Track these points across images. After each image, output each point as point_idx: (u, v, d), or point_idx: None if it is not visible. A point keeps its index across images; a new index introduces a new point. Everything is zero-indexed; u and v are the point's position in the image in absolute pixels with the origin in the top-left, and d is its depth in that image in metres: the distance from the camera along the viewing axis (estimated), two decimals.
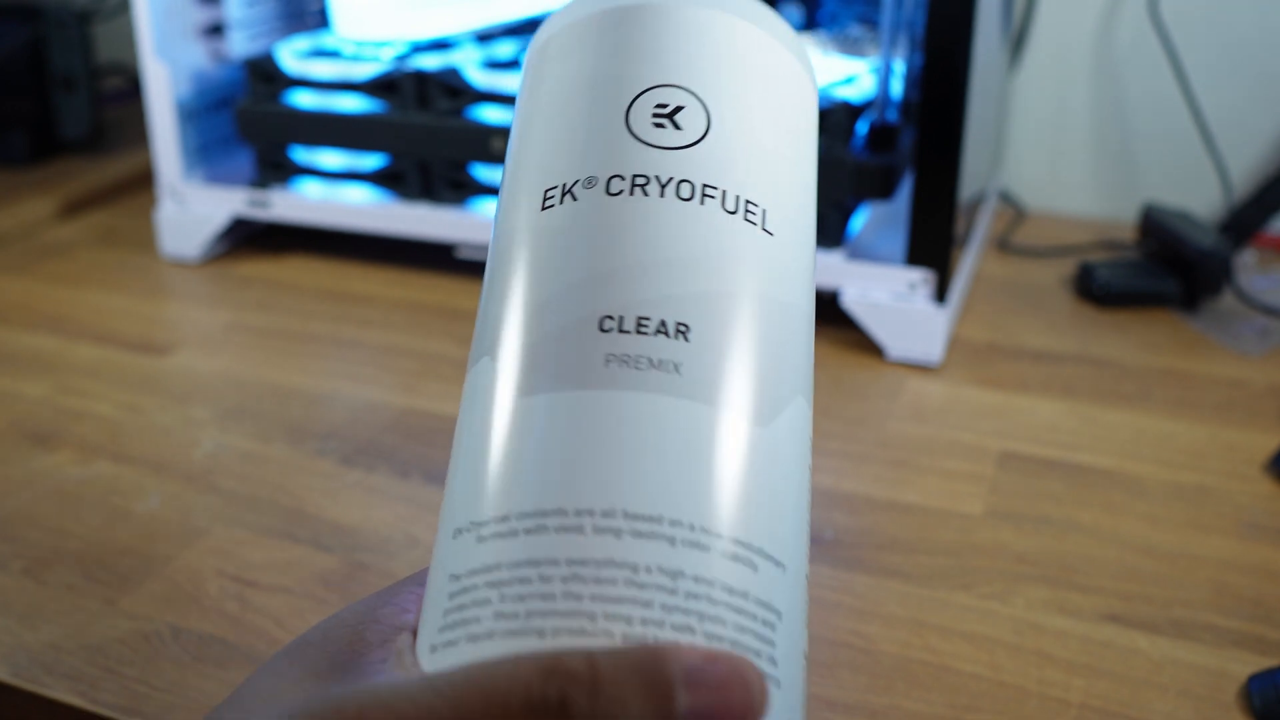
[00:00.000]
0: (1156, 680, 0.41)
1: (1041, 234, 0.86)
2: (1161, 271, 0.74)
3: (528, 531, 0.24)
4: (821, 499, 0.52)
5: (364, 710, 0.22)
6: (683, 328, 0.26)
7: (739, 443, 0.26)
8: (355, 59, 0.77)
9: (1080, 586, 0.46)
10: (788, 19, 0.84)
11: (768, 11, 0.33)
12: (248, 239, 0.83)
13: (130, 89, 1.12)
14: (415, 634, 0.26)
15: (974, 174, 0.71)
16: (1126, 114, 0.90)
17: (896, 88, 0.67)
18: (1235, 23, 0.85)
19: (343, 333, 0.69)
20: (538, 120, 0.30)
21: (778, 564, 0.26)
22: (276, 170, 0.80)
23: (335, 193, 0.79)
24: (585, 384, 0.25)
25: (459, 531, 0.25)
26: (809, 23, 0.85)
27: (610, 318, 0.26)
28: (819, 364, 0.65)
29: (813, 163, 0.32)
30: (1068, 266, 0.79)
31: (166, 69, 0.78)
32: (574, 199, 0.28)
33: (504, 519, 0.25)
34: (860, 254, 0.67)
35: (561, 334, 0.26)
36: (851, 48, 0.77)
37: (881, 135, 0.67)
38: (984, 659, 0.42)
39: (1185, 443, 0.57)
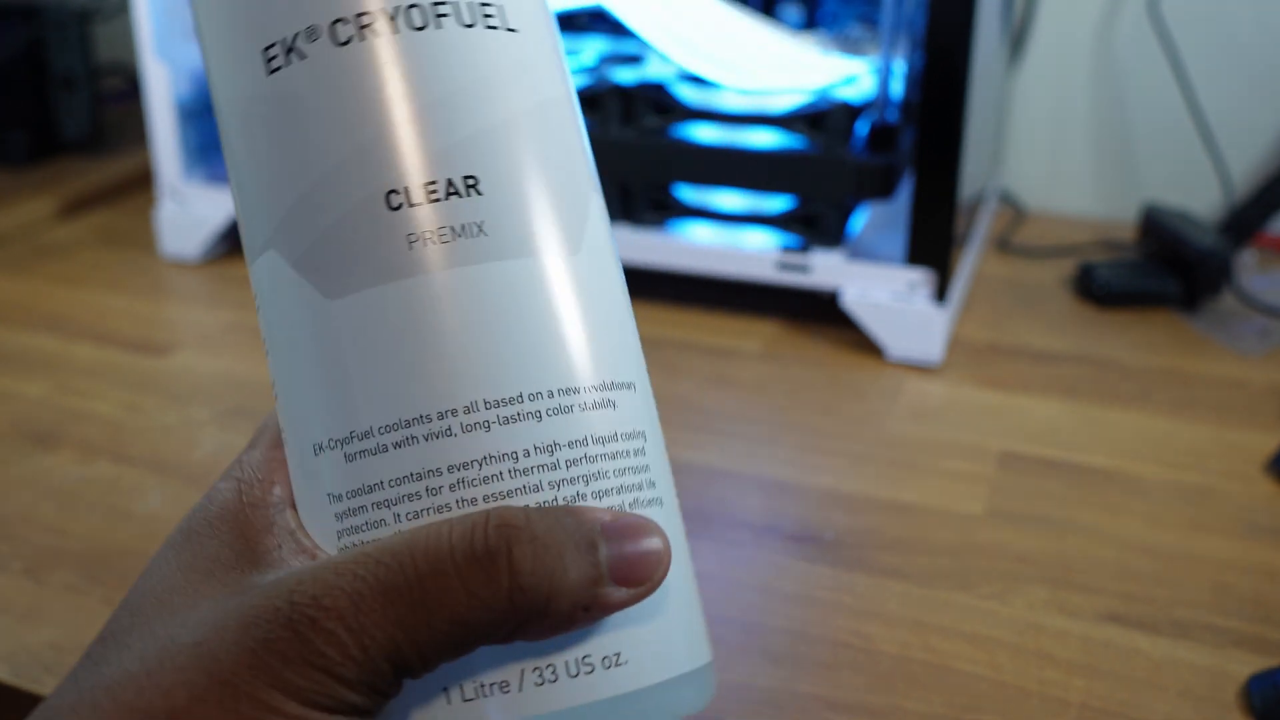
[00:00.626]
0: (1156, 680, 0.41)
1: (1041, 234, 0.86)
2: (1161, 271, 0.74)
3: (397, 445, 0.24)
4: (822, 499, 0.52)
5: (318, 598, 0.22)
6: (471, 181, 0.25)
7: (563, 284, 0.25)
8: None
9: (1080, 586, 0.46)
10: (787, 19, 0.84)
11: None
12: None
13: (130, 89, 1.12)
14: (294, 508, 0.26)
15: (974, 174, 0.71)
16: (1126, 114, 0.90)
17: (896, 88, 0.67)
18: (1235, 22, 0.85)
19: None
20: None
21: (628, 387, 0.26)
22: None
23: None
24: (395, 274, 0.24)
25: (319, 448, 0.25)
26: (809, 23, 0.85)
27: (395, 191, 0.25)
28: (819, 363, 0.65)
29: None
30: (1068, 266, 0.79)
31: (166, 69, 0.78)
32: (302, 56, 0.25)
33: (366, 434, 0.24)
34: (860, 254, 0.67)
35: (350, 221, 0.25)
36: (851, 48, 0.77)
37: (881, 135, 0.67)
38: (984, 659, 0.42)
39: (1185, 443, 0.57)
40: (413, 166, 0.25)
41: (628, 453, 0.26)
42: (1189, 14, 0.86)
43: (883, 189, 0.66)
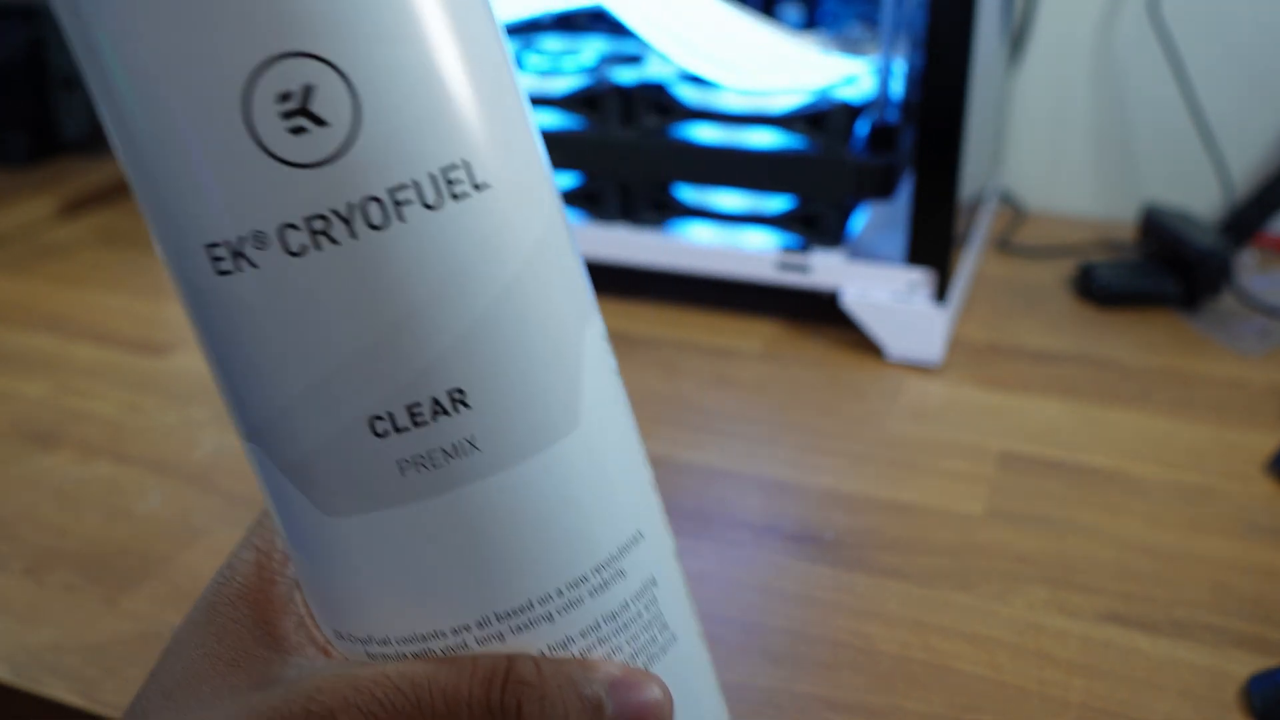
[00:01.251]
0: (1156, 680, 0.41)
1: (1041, 234, 0.86)
2: (1161, 271, 0.74)
3: (415, 655, 0.24)
4: (822, 499, 0.52)
5: (334, 712, 0.23)
6: (457, 395, 0.23)
7: (563, 474, 0.24)
8: None
9: (1080, 586, 0.46)
10: (787, 19, 0.84)
11: None
12: None
13: None
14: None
15: (974, 174, 0.71)
16: (1126, 114, 0.90)
17: (896, 88, 0.67)
18: (1235, 23, 0.85)
19: None
20: (133, 125, 0.22)
21: (636, 540, 0.26)
22: None
23: None
24: (391, 502, 0.23)
25: (339, 635, 0.25)
26: (809, 23, 0.85)
27: (379, 418, 0.23)
28: (819, 363, 0.65)
29: (492, 33, 0.25)
30: (1068, 266, 0.79)
31: None
32: (253, 264, 0.22)
33: (384, 641, 0.24)
34: (860, 254, 0.67)
35: (337, 443, 0.23)
36: (851, 48, 0.77)
37: (881, 135, 0.67)
38: (984, 659, 0.42)
39: (1185, 443, 0.57)
40: (393, 391, 0.23)
41: (639, 613, 0.26)
42: (1189, 14, 0.86)
43: (883, 189, 0.66)
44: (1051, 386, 0.63)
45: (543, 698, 0.23)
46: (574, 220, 0.74)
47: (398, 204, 0.22)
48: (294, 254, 0.22)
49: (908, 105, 0.67)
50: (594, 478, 0.25)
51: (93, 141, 1.03)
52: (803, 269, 0.67)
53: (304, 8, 0.21)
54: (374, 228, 0.22)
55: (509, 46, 0.25)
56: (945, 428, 0.58)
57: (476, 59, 0.23)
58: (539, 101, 0.73)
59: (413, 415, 0.23)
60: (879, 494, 0.52)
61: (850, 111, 0.66)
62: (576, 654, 0.25)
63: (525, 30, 0.83)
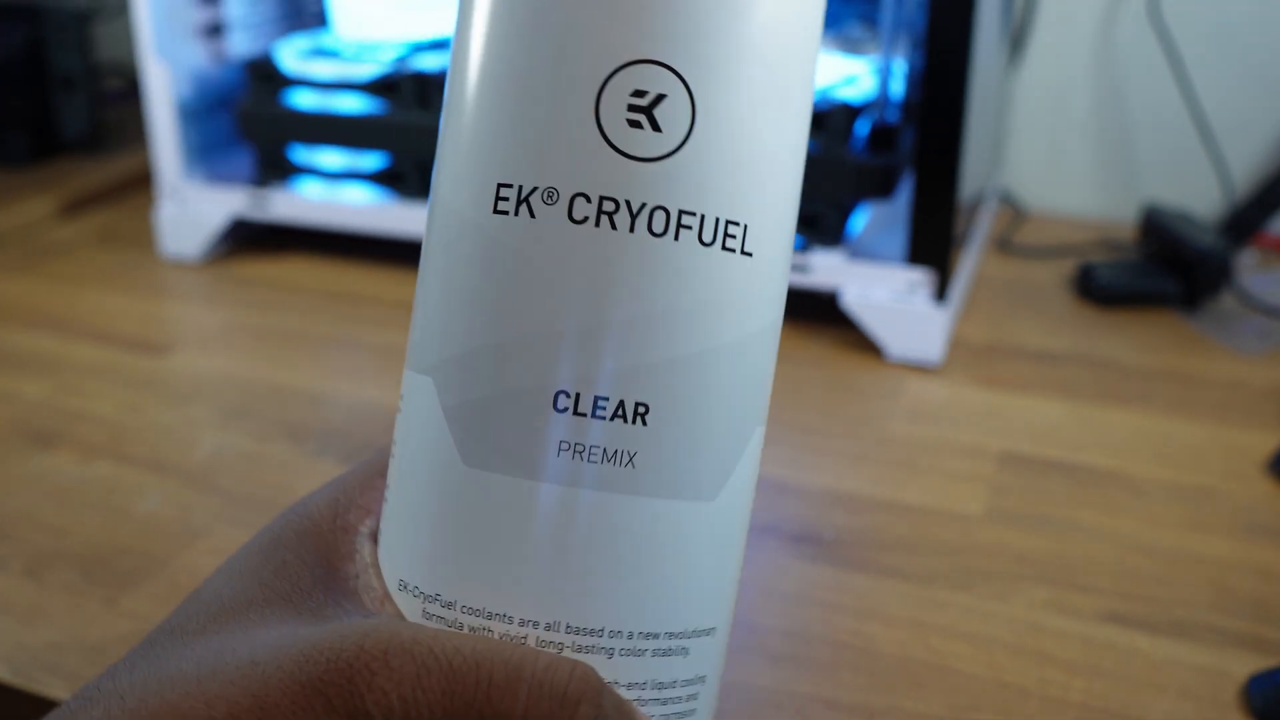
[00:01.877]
0: (1156, 680, 0.41)
1: (1041, 234, 0.86)
2: (1161, 271, 0.74)
3: (471, 628, 0.25)
4: (821, 499, 0.52)
5: (388, 654, 0.22)
6: (642, 409, 0.24)
7: (689, 530, 0.25)
8: (355, 59, 0.77)
9: (1080, 586, 0.46)
10: None
11: None
12: (248, 239, 0.83)
13: (130, 89, 1.12)
14: (375, 540, 0.27)
15: (974, 174, 0.71)
16: (1126, 114, 0.90)
17: (896, 88, 0.67)
18: (1235, 23, 0.85)
19: (343, 333, 0.69)
20: (488, 76, 0.25)
21: (709, 632, 0.26)
22: (276, 170, 0.80)
23: (335, 193, 0.79)
24: (534, 474, 0.24)
25: (403, 587, 0.25)
26: None
27: (566, 394, 0.24)
28: (819, 363, 0.65)
29: (806, 125, 0.27)
30: (1068, 266, 0.79)
31: (166, 69, 0.78)
32: (531, 214, 0.24)
33: (449, 605, 0.25)
34: (860, 254, 0.67)
35: (512, 402, 0.24)
36: (851, 48, 0.77)
37: (881, 135, 0.67)
38: (984, 659, 0.42)
39: (1185, 443, 0.57)
40: (594, 376, 0.24)
41: (680, 699, 0.26)
42: (1189, 14, 0.86)
43: (883, 189, 0.66)
44: (1051, 386, 0.63)
45: (601, 710, 0.23)
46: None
47: (680, 225, 0.24)
48: (574, 220, 0.24)
49: (908, 105, 0.67)
50: (703, 554, 0.25)
51: (93, 141, 1.03)
52: (803, 269, 0.67)
53: (688, 31, 0.24)
54: (651, 233, 0.24)
55: (807, 149, 0.28)
56: (945, 428, 0.58)
57: (791, 145, 0.26)
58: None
59: (596, 404, 0.24)
60: (879, 494, 0.52)
61: (850, 111, 0.66)
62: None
63: None
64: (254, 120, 0.79)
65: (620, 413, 0.24)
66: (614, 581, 0.24)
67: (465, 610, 0.24)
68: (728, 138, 0.25)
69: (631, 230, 0.24)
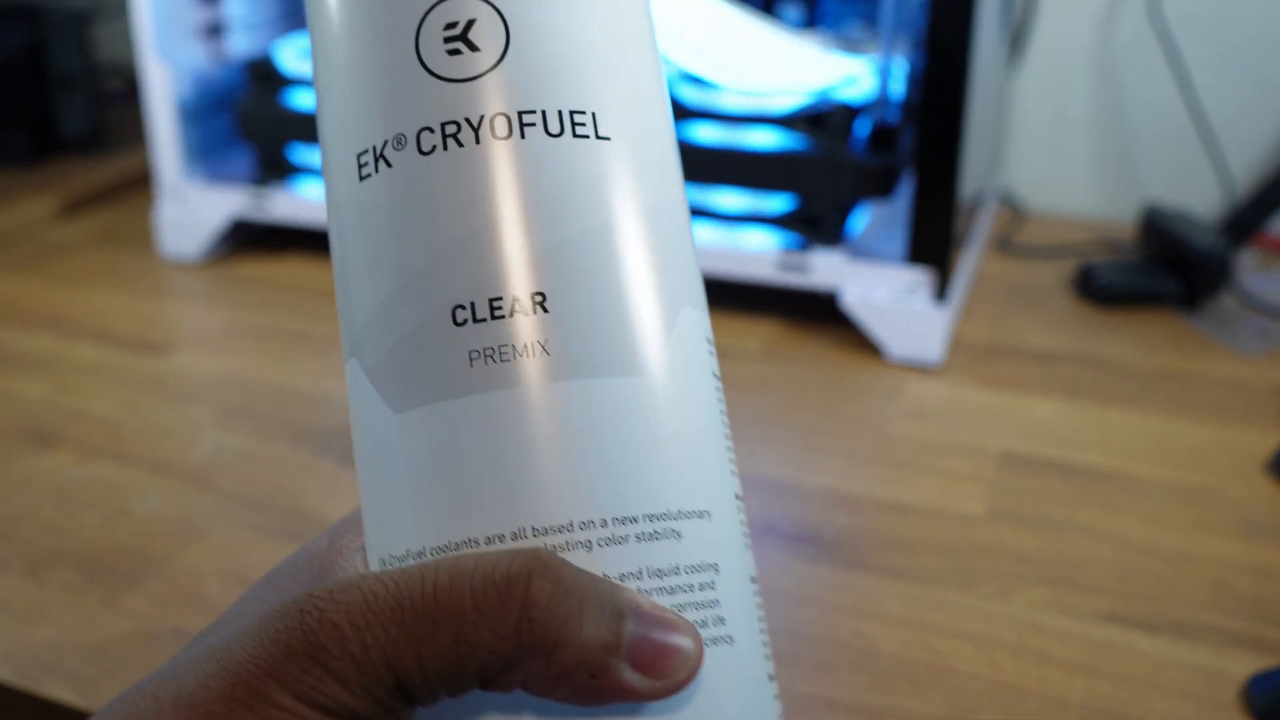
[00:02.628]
0: (1156, 680, 0.41)
1: (1041, 234, 0.86)
2: (1161, 271, 0.74)
3: None
4: (821, 499, 0.52)
5: (334, 593, 0.22)
6: (539, 298, 0.24)
7: (628, 405, 0.25)
8: None
9: (1080, 586, 0.46)
10: (787, 19, 0.84)
11: None
12: (248, 239, 0.83)
13: (130, 89, 1.12)
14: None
15: (974, 174, 0.71)
16: (1126, 114, 0.90)
17: (896, 88, 0.67)
18: (1235, 23, 0.85)
19: None
20: (328, 59, 0.27)
21: (702, 515, 0.25)
22: (276, 170, 0.80)
23: None
24: (454, 391, 0.24)
25: (382, 562, 0.25)
26: (809, 23, 0.85)
27: (461, 306, 0.24)
28: (819, 363, 0.65)
29: (645, 17, 0.28)
30: (1068, 266, 0.79)
31: (166, 69, 0.78)
32: (388, 164, 0.25)
33: (420, 554, 0.24)
34: (860, 254, 0.67)
35: (417, 335, 0.25)
36: (851, 48, 0.77)
37: (881, 135, 0.67)
38: (984, 659, 0.42)
39: (1185, 443, 0.57)
40: (481, 281, 0.24)
41: (690, 587, 0.25)
42: (1189, 14, 0.86)
43: (883, 189, 0.66)
44: (1051, 386, 0.63)
45: (558, 580, 0.22)
46: None
47: (524, 125, 0.25)
48: (424, 153, 0.25)
49: (908, 105, 0.67)
50: (654, 429, 0.25)
51: (93, 141, 1.03)
52: (803, 269, 0.67)
53: None
54: (495, 137, 0.25)
55: (656, 35, 0.28)
56: (945, 428, 0.58)
57: (625, 37, 0.27)
58: None
59: (493, 307, 0.24)
60: (879, 494, 0.52)
61: (850, 111, 0.66)
62: None
63: None
64: (254, 120, 0.79)
65: (518, 306, 0.24)
66: (566, 470, 0.24)
67: (435, 552, 0.24)
68: (548, 41, 0.25)
69: (477, 141, 0.25)
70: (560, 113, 0.25)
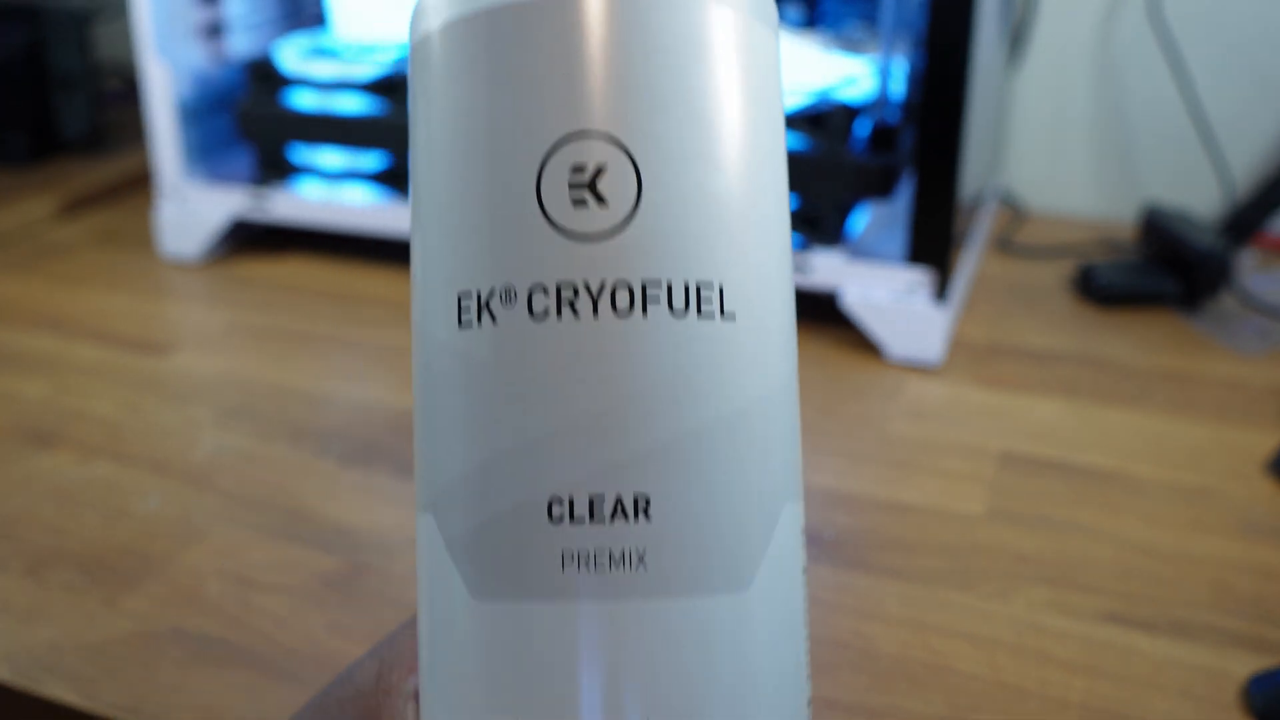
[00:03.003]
0: (1156, 680, 0.41)
1: (1041, 234, 0.86)
2: (1161, 271, 0.74)
3: None
4: (821, 499, 0.52)
5: None
6: (643, 502, 0.23)
7: (723, 625, 0.23)
8: (355, 59, 0.77)
9: (1080, 586, 0.46)
10: (787, 19, 0.84)
11: None
12: (248, 239, 0.83)
13: (130, 89, 1.12)
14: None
15: (974, 174, 0.71)
16: (1126, 114, 0.90)
17: (896, 88, 0.67)
18: (1235, 23, 0.85)
19: (343, 333, 0.69)
20: (437, 175, 0.25)
21: None
22: (276, 170, 0.80)
23: (335, 193, 0.79)
24: (542, 594, 0.23)
25: None
26: (809, 23, 0.85)
27: (559, 500, 0.23)
28: (819, 363, 0.65)
29: (780, 160, 0.25)
30: (1068, 266, 0.79)
31: (166, 69, 0.78)
32: (493, 319, 0.23)
33: None
34: (860, 254, 0.67)
35: (508, 520, 0.23)
36: (851, 48, 0.77)
37: (881, 135, 0.67)
38: (984, 659, 0.42)
39: (1185, 443, 0.57)
40: (583, 475, 0.23)
41: None
42: (1189, 14, 0.86)
43: (883, 189, 0.66)
44: (1051, 386, 0.63)
45: None
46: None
47: (646, 298, 0.23)
48: (534, 316, 0.23)
49: (908, 105, 0.67)
50: (752, 647, 0.24)
51: (93, 141, 1.03)
52: (803, 269, 0.67)
53: (621, 97, 0.23)
54: (616, 312, 0.23)
55: (788, 193, 0.26)
56: (945, 428, 0.58)
57: (760, 192, 0.24)
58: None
59: (593, 506, 0.23)
60: (879, 494, 0.52)
61: (850, 111, 0.66)
62: None
63: None
64: (254, 120, 0.79)
65: (620, 509, 0.23)
66: (641, 691, 0.23)
67: None
68: (681, 198, 0.23)
69: (595, 314, 0.23)
70: (687, 286, 0.23)
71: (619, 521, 0.23)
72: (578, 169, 0.23)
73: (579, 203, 0.23)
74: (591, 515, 0.23)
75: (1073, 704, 0.40)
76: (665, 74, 0.23)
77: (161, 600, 0.45)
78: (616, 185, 0.23)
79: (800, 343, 0.69)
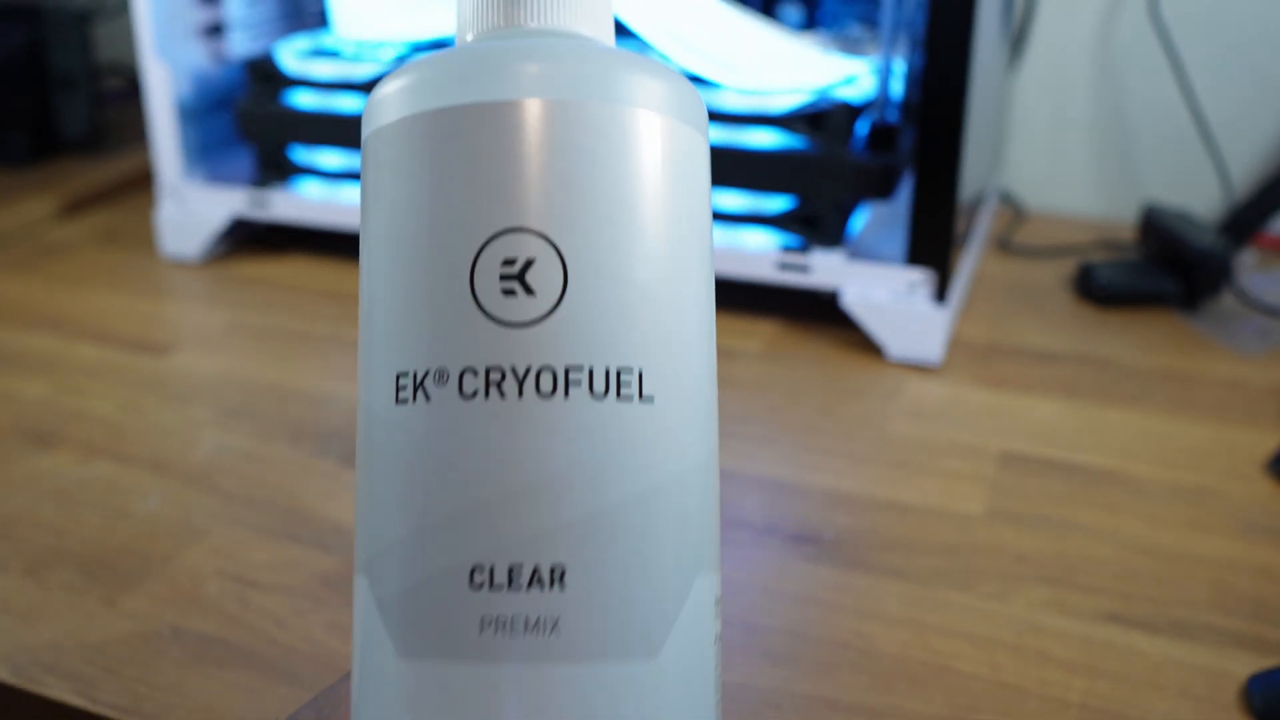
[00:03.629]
0: (1156, 680, 0.41)
1: (1041, 234, 0.86)
2: (1161, 271, 0.74)
3: None
4: (822, 499, 0.52)
5: None
6: (558, 572, 0.24)
7: (632, 691, 0.24)
8: (355, 59, 0.77)
9: (1080, 586, 0.46)
10: (787, 19, 0.84)
11: (632, 66, 0.26)
12: (248, 239, 0.83)
13: (130, 89, 1.12)
14: None
15: (974, 174, 0.71)
16: (1126, 114, 0.90)
17: (896, 88, 0.67)
18: (1235, 23, 0.85)
19: (343, 333, 0.69)
20: (380, 261, 0.26)
21: None
22: (276, 170, 0.80)
23: (335, 193, 0.79)
24: (461, 655, 0.24)
25: None
26: (809, 23, 0.85)
27: (480, 569, 0.24)
28: (819, 363, 0.65)
29: (704, 250, 0.27)
30: (1068, 266, 0.79)
31: (166, 69, 0.78)
32: (426, 397, 0.25)
33: None
34: (860, 254, 0.67)
35: (433, 585, 0.24)
36: (851, 48, 0.77)
37: (881, 135, 0.67)
38: (984, 659, 0.42)
39: (1185, 443, 0.57)
40: (503, 546, 0.24)
41: None
42: (1189, 14, 0.86)
43: (883, 189, 0.66)
44: (1051, 386, 0.63)
45: None
46: None
47: (569, 382, 0.24)
48: (464, 396, 0.24)
49: (908, 105, 0.67)
50: (658, 715, 0.24)
51: (93, 141, 1.03)
52: (803, 269, 0.67)
53: (551, 196, 0.25)
54: (540, 394, 0.24)
55: (711, 270, 0.27)
56: (945, 428, 0.58)
57: (682, 282, 0.26)
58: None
59: (511, 575, 0.24)
60: (879, 494, 0.52)
61: (850, 111, 0.66)
62: None
63: None
64: (254, 120, 0.79)
65: (536, 579, 0.24)
66: None
67: None
68: (605, 290, 0.25)
69: (520, 396, 0.24)
70: (608, 371, 0.24)
71: (535, 590, 0.24)
72: (509, 261, 0.24)
73: (509, 293, 0.24)
74: (510, 583, 0.24)
75: (1073, 704, 0.40)
76: (594, 175, 0.25)
77: (161, 600, 0.45)
78: (544, 277, 0.24)
79: (800, 343, 0.70)
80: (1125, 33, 0.88)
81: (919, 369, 0.65)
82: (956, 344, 0.67)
